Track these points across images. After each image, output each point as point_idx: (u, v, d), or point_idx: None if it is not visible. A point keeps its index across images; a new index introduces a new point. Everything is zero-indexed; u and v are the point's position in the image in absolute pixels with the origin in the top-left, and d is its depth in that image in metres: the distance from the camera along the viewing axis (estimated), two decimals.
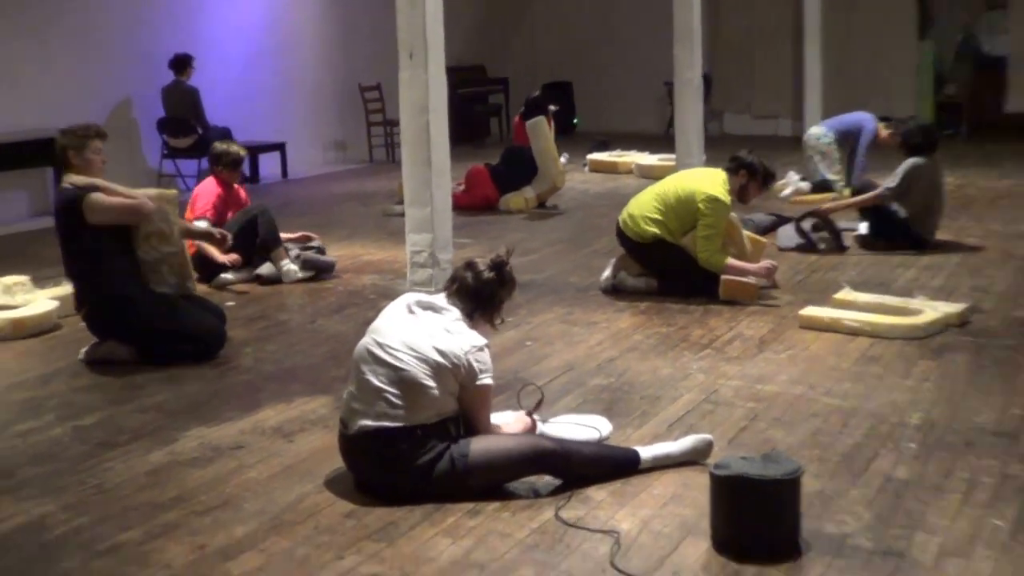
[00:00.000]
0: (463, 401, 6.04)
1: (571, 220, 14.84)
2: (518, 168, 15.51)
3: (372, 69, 21.03)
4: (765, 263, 10.42)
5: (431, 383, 5.86)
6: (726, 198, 10.15)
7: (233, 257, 10.96)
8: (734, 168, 10.36)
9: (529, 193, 15.48)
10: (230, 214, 11.32)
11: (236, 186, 11.54)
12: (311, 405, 7.56)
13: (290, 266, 11.26)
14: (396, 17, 9.23)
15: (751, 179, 10.34)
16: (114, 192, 8.44)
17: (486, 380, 6.01)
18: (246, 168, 18.00)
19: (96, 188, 8.38)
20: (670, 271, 10.33)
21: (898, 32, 23.18)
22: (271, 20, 19.73)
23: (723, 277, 10.14)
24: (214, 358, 8.65)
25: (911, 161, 12.12)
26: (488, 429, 6.15)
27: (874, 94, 22.28)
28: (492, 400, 6.22)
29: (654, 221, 10.26)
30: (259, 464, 6.54)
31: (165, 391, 7.94)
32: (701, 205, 10.08)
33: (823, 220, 12.38)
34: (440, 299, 6.19)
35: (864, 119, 15.47)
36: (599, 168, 19.58)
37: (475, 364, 5.94)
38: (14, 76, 15.19)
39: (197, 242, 10.50)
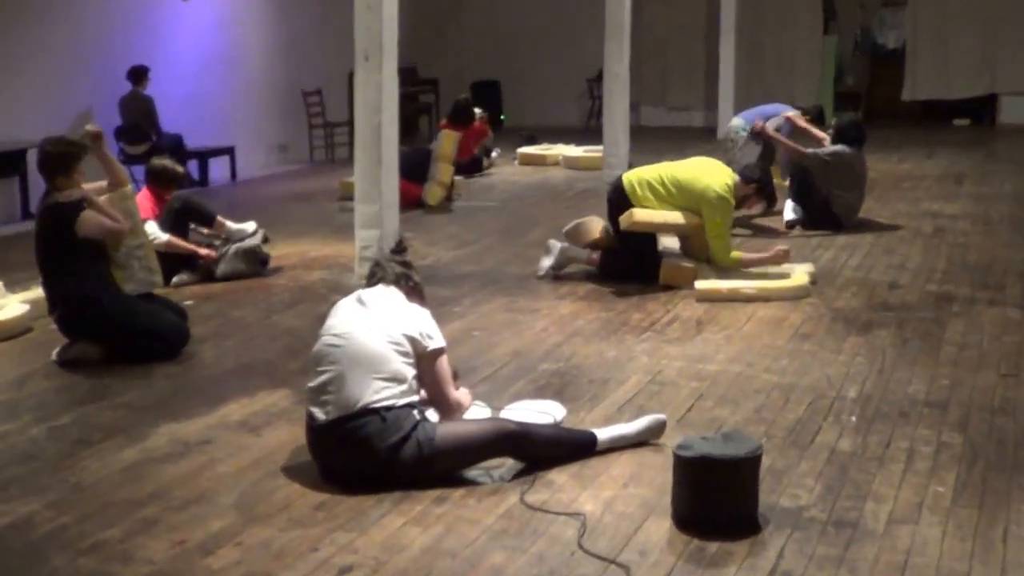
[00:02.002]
0: (424, 374, 5.96)
1: (504, 212, 14.60)
2: (413, 164, 15.11)
3: (313, 75, 20.86)
4: (778, 248, 10.21)
5: (403, 359, 5.80)
6: (731, 200, 9.98)
7: (207, 252, 10.81)
8: (747, 179, 10.25)
9: (438, 174, 15.13)
10: None
11: (167, 197, 11.18)
12: (272, 398, 7.33)
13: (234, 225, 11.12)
14: (353, 21, 9.01)
15: (756, 195, 10.44)
16: (99, 208, 8.24)
17: (438, 343, 5.99)
18: (195, 172, 17.77)
19: (83, 200, 8.20)
20: (630, 242, 10.04)
21: (804, 27, 23.26)
22: (220, 32, 19.41)
23: (664, 260, 10.02)
24: (177, 355, 8.37)
25: (841, 146, 12.10)
26: (451, 396, 6.09)
27: (781, 85, 22.37)
28: (448, 367, 6.14)
29: (654, 194, 9.96)
30: (229, 458, 6.30)
31: (134, 389, 7.66)
32: (713, 201, 9.84)
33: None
34: (380, 289, 6.18)
35: (780, 109, 15.37)
36: (528, 161, 19.41)
37: (427, 331, 5.95)
38: None
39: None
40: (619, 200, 10.10)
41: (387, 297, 6.09)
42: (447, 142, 15.33)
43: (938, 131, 21.55)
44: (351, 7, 9.56)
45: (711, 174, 10.06)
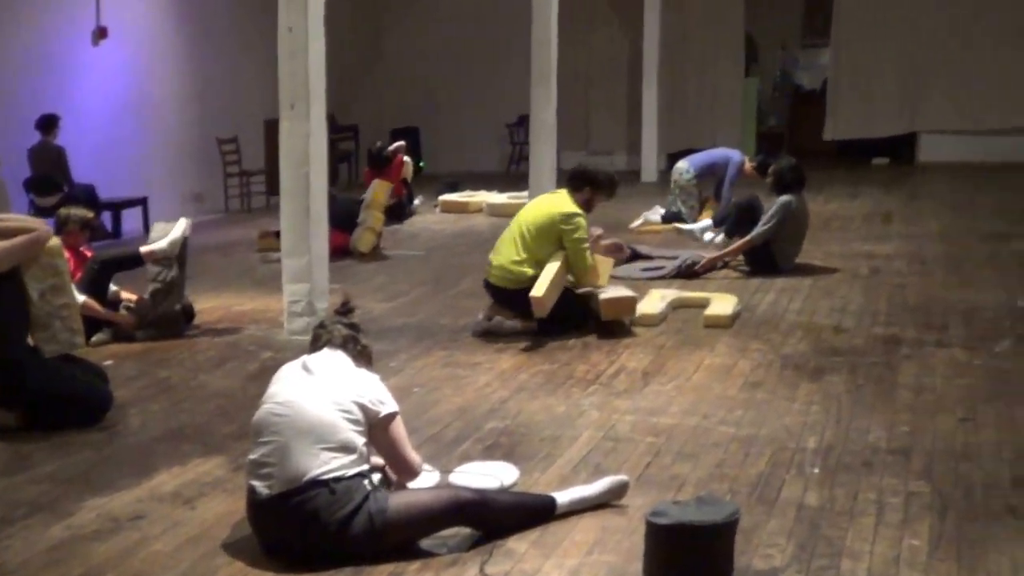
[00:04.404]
0: (379, 440, 5.63)
1: (432, 261, 14.27)
2: (342, 213, 14.63)
3: (229, 122, 20.53)
4: (610, 241, 10.59)
5: (353, 428, 5.44)
6: (581, 211, 9.89)
7: (126, 317, 10.31)
8: (578, 185, 10.08)
9: (369, 220, 14.85)
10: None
11: (82, 249, 10.68)
12: (206, 467, 6.92)
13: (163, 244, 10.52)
14: (269, 67, 8.71)
15: (596, 191, 10.14)
16: (5, 229, 7.61)
17: (391, 407, 5.64)
18: (109, 224, 17.31)
19: None
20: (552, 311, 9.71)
21: (725, 69, 23.22)
22: (132, 78, 19.01)
23: (601, 298, 9.77)
24: (100, 421, 7.88)
25: (783, 200, 12.08)
26: (411, 458, 5.76)
27: (703, 126, 22.35)
28: (404, 430, 5.77)
29: (524, 261, 9.77)
30: (163, 535, 5.89)
31: (55, 459, 7.20)
32: (563, 225, 9.77)
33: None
34: (326, 353, 5.83)
35: (730, 154, 15.40)
36: (451, 209, 19.19)
37: (378, 397, 5.61)
38: None
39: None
40: (498, 296, 10.03)
41: (334, 362, 5.75)
42: (380, 190, 15.12)
43: (859, 170, 21.62)
44: (267, 52, 9.28)
45: (552, 203, 10.09)
